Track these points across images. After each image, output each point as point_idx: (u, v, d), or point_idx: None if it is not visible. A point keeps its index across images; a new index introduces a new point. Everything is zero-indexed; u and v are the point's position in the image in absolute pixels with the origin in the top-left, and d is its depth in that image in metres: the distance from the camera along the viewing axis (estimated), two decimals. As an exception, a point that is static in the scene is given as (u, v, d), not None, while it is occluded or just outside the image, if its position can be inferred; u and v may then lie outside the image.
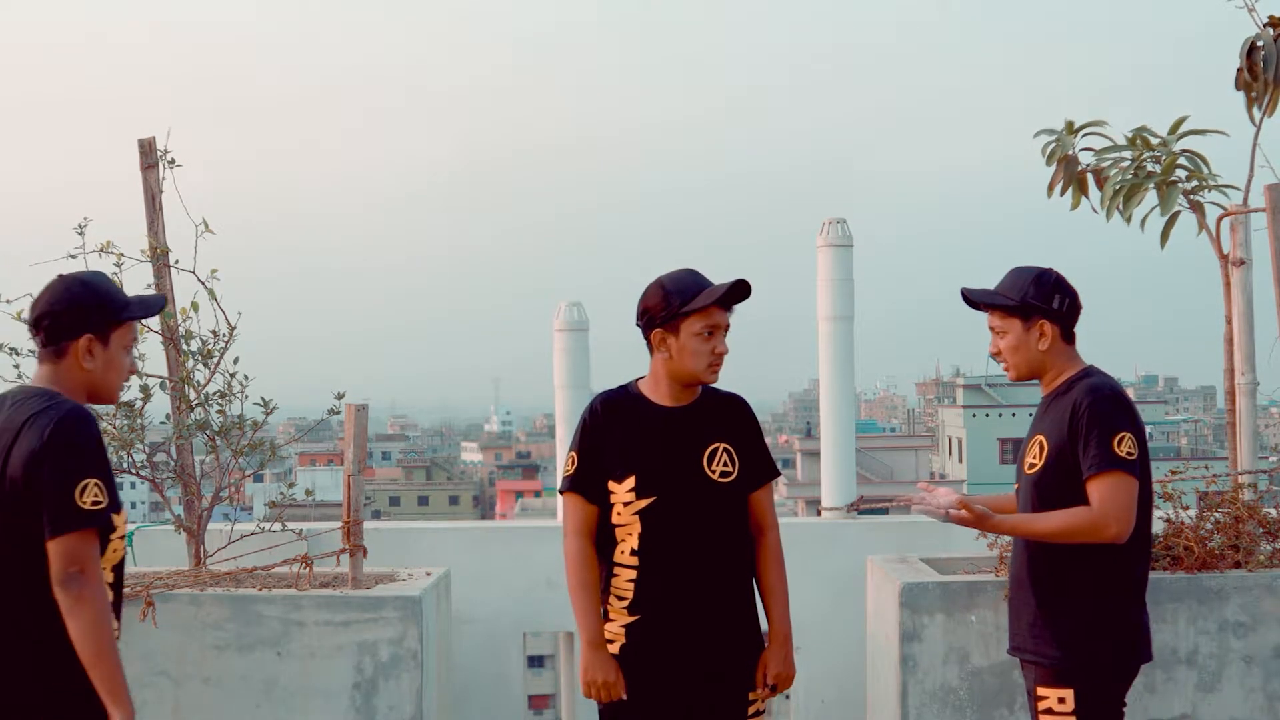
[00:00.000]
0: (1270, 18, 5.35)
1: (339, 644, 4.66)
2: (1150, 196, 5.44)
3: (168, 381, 5.24)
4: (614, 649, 3.58)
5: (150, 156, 5.31)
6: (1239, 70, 5.39)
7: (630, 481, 3.55)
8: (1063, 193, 5.58)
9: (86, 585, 2.88)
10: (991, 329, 3.78)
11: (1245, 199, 5.43)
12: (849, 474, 7.27)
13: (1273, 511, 5.05)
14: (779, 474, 3.82)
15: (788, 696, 6.17)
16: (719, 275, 3.60)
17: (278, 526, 5.33)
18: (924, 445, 58.33)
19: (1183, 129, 5.43)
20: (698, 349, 3.54)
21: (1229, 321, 5.53)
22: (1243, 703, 4.61)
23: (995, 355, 3.79)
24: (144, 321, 5.04)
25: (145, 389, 5.12)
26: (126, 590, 4.20)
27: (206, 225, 5.10)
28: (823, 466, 7.35)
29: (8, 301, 4.86)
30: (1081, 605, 3.57)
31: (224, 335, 5.20)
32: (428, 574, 5.16)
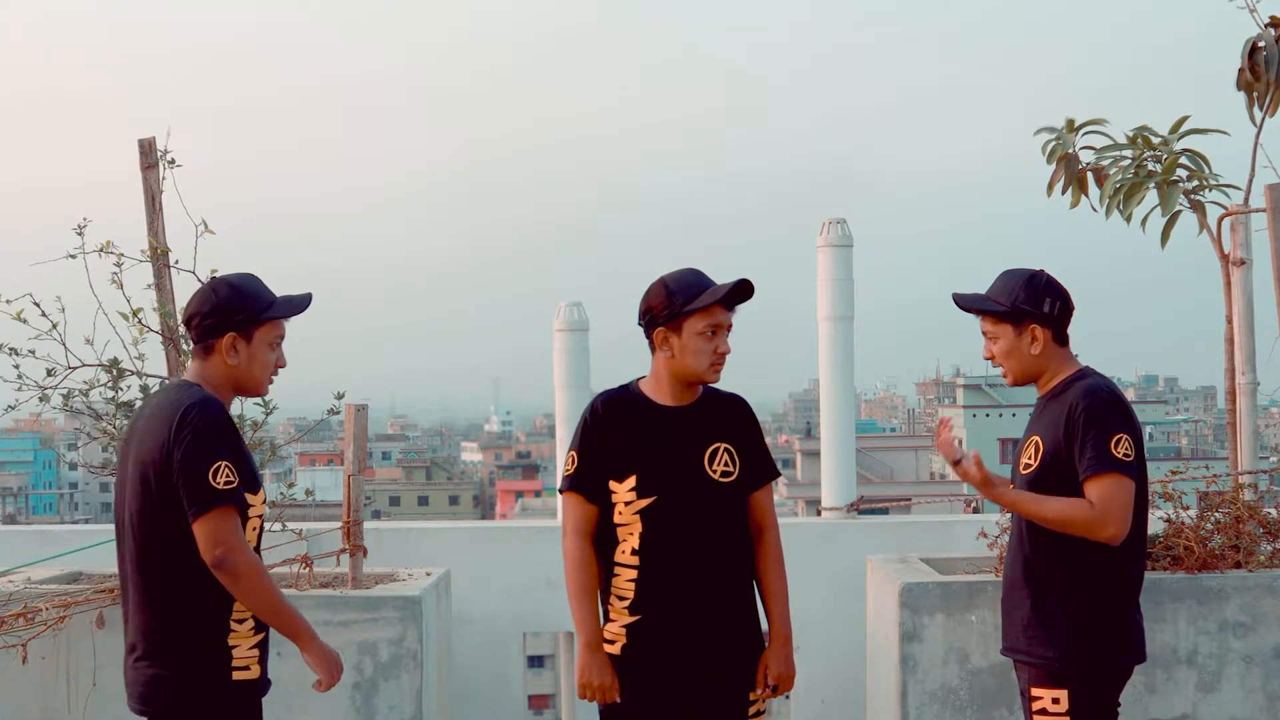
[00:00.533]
0: (1271, 18, 5.35)
1: (339, 644, 4.64)
2: (1151, 196, 5.45)
3: (168, 382, 5.23)
4: (614, 649, 3.57)
5: (150, 156, 5.30)
6: (1240, 70, 5.39)
7: (631, 481, 3.55)
8: (1063, 191, 5.58)
9: (237, 560, 3.12)
10: (984, 334, 3.75)
11: (1246, 199, 5.43)
12: (849, 474, 7.29)
13: (1273, 512, 5.04)
14: (779, 474, 3.82)
15: (788, 697, 6.17)
16: (719, 275, 3.61)
17: (278, 526, 5.33)
18: (924, 445, 58.26)
19: (1184, 128, 5.44)
20: (700, 348, 3.54)
21: (1229, 321, 5.53)
22: (1243, 703, 4.61)
23: (990, 360, 3.78)
24: (144, 322, 5.09)
25: (145, 389, 5.12)
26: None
27: (206, 225, 5.09)
28: (823, 466, 7.37)
29: (8, 301, 4.86)
30: (1075, 606, 3.56)
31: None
32: (428, 574, 5.16)
